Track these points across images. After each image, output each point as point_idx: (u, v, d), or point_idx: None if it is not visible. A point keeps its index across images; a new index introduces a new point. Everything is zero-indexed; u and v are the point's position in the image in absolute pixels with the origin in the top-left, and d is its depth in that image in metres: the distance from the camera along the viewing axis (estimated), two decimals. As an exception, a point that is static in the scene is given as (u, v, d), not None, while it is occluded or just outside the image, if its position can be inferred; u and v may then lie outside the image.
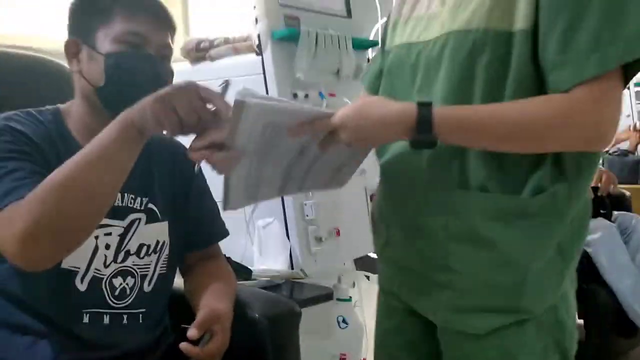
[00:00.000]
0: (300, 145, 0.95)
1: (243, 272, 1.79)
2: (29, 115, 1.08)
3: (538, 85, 0.88)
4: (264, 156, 0.94)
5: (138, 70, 1.06)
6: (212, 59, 2.06)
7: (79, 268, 1.06)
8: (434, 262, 0.96)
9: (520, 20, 0.87)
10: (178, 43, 2.13)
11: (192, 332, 1.02)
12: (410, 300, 1.05)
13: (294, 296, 1.70)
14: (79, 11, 1.11)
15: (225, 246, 1.86)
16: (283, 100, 1.01)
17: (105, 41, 1.07)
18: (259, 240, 1.91)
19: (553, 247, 0.93)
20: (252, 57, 1.91)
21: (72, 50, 1.11)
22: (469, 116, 0.87)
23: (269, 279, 1.80)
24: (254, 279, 1.79)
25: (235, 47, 2.02)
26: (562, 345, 0.97)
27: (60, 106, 1.14)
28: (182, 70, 2.18)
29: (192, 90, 0.93)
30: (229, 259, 1.84)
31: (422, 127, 0.85)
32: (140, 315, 1.14)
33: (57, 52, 1.51)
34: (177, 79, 2.27)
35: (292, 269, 1.88)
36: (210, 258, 1.29)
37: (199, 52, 2.08)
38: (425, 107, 0.86)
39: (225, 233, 1.31)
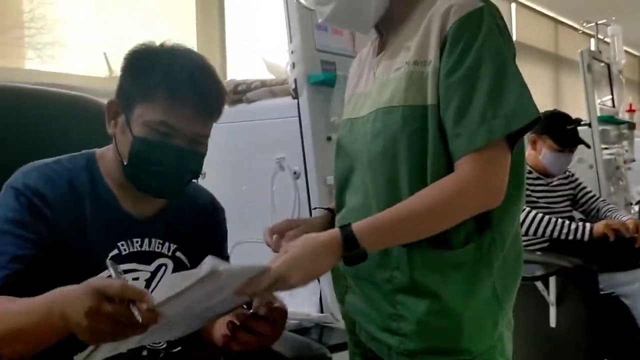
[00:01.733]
0: (214, 303, 0.93)
1: (273, 314, 1.78)
2: (57, 164, 1.08)
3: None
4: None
5: (162, 161, 1.04)
6: (249, 101, 2.10)
7: None
8: (384, 310, 1.07)
9: (430, 98, 1.02)
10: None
11: (260, 308, 1.02)
12: (368, 342, 1.13)
13: (323, 340, 1.67)
14: (127, 77, 1.08)
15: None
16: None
17: (139, 120, 1.04)
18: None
19: (487, 292, 1.05)
20: (289, 100, 1.94)
21: (112, 111, 1.10)
22: (383, 222, 0.98)
23: (298, 322, 1.78)
24: (284, 321, 1.77)
25: (272, 90, 2.06)
26: None
27: (97, 151, 1.15)
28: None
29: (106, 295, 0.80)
30: (259, 300, 1.84)
31: (350, 245, 0.96)
32: (178, 351, 1.13)
33: (98, 92, 1.56)
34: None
35: (322, 312, 1.86)
36: None
37: (236, 95, 2.13)
38: (345, 229, 0.97)
39: None
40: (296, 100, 1.91)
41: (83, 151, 1.15)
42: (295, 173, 1.94)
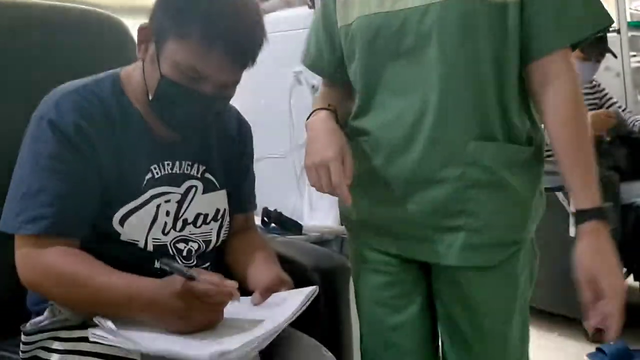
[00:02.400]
0: None
1: (294, 227, 1.81)
2: (86, 91, 1.05)
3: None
4: None
5: (187, 105, 1.02)
6: (265, 12, 2.04)
7: (138, 241, 1.06)
8: (448, 209, 1.05)
9: None
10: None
11: (257, 298, 1.03)
12: (408, 251, 1.13)
13: (343, 252, 1.71)
14: (163, 5, 1.01)
15: (276, 201, 1.89)
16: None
17: (169, 58, 1.00)
18: (309, 196, 1.92)
19: (540, 186, 1.12)
20: (305, 10, 1.89)
21: (142, 36, 1.05)
22: (585, 172, 1.01)
23: (319, 234, 1.81)
24: (305, 234, 1.81)
25: (288, 0, 2.00)
26: (534, 270, 1.15)
27: (122, 74, 1.11)
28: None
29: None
30: (280, 213, 1.87)
31: (608, 220, 0.99)
32: (207, 269, 1.15)
33: (114, 7, 1.52)
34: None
35: (342, 225, 1.89)
36: (250, 228, 1.29)
37: (251, 6, 2.07)
38: (589, 214, 0.98)
39: (256, 205, 1.32)
40: (313, 10, 1.86)
41: (107, 72, 1.11)
42: (313, 87, 1.91)
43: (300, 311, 1.00)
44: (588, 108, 2.62)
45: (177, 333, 0.93)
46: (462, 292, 1.10)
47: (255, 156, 1.30)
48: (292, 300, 1.02)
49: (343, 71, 1.18)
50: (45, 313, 1.03)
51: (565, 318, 2.46)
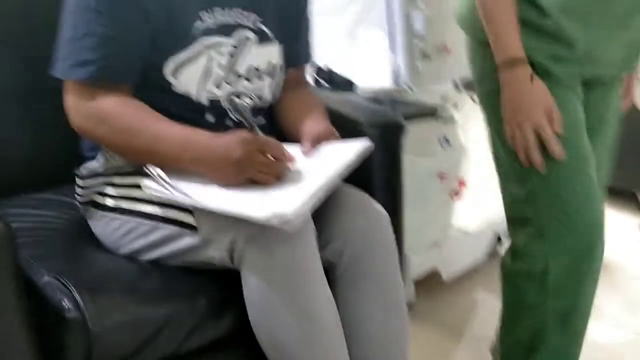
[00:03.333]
0: None
1: (346, 85, 1.75)
2: None
3: None
4: None
5: None
6: None
7: (192, 93, 1.02)
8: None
9: None
10: None
11: (306, 146, 1.02)
12: (608, 68, 1.25)
13: (397, 111, 1.65)
14: None
15: (327, 60, 1.81)
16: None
17: None
18: (361, 53, 1.84)
19: None
20: None
21: None
22: None
23: (372, 94, 1.75)
24: (357, 93, 1.75)
25: None
26: None
27: None
28: None
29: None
30: (332, 71, 1.80)
31: None
32: (261, 127, 1.12)
33: None
34: None
35: (395, 84, 1.82)
36: (302, 84, 1.24)
37: None
38: None
39: (312, 57, 1.27)
40: None
41: None
42: None
43: (354, 166, 0.97)
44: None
45: (229, 187, 0.91)
46: (610, 98, 1.29)
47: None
48: (345, 152, 0.99)
49: None
50: (99, 157, 1.04)
51: (616, 190, 2.39)
